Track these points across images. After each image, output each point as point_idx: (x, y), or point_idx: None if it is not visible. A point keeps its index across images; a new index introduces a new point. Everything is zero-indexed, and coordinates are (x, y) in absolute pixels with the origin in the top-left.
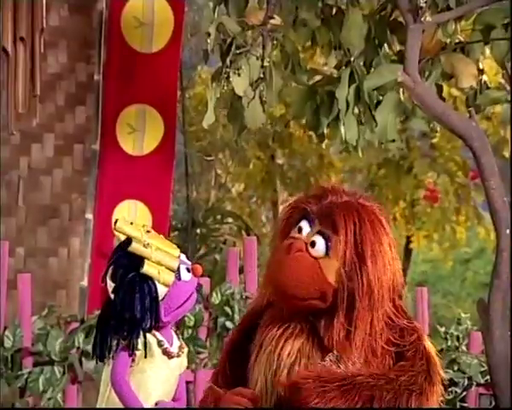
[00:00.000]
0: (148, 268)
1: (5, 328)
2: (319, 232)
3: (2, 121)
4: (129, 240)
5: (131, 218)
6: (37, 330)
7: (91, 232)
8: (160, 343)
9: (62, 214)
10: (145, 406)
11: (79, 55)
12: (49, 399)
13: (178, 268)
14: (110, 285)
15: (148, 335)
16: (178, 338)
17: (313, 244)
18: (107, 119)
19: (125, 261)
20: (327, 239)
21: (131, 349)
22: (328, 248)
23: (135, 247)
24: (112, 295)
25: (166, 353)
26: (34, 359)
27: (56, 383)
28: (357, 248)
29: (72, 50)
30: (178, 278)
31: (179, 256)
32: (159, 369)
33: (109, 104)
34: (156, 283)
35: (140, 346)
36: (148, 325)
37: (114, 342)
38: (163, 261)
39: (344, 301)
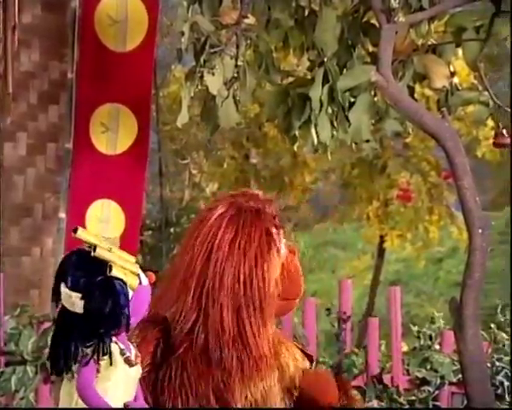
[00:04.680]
0: (116, 272)
1: None
2: None
3: None
4: (91, 248)
5: (105, 217)
6: (10, 329)
7: (64, 232)
8: (122, 352)
9: (35, 213)
10: None
11: (52, 54)
12: (22, 398)
13: (138, 274)
14: (69, 295)
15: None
16: (134, 347)
17: None
18: (80, 117)
19: (88, 268)
20: None
21: (103, 352)
22: None
23: (100, 252)
24: (68, 305)
25: (128, 361)
26: (6, 358)
27: (29, 382)
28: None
29: (45, 48)
30: (139, 282)
31: (137, 262)
32: (120, 377)
33: (82, 103)
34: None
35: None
36: (123, 324)
37: (79, 352)
38: (126, 266)
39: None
